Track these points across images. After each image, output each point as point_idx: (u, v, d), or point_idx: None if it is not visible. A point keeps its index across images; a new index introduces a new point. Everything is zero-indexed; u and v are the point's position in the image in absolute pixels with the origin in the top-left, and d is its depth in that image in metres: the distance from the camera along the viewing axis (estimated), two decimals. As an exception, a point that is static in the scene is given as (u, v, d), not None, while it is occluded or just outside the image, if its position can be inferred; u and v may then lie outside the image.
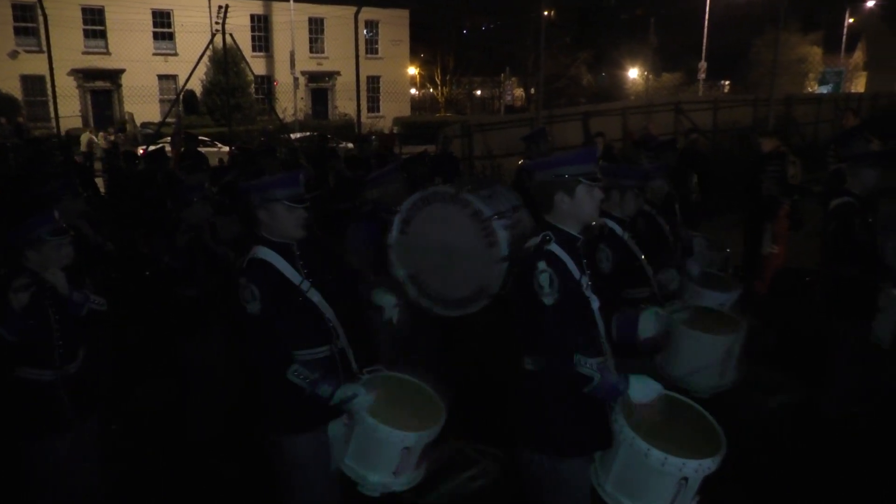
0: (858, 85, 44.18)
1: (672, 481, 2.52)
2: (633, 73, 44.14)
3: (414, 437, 2.84)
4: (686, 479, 2.50)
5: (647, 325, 2.86)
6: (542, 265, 2.60)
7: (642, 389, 2.63)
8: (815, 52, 42.40)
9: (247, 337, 2.98)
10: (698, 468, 2.48)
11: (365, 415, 2.84)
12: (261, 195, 3.00)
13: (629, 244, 3.94)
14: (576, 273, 2.69)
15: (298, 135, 20.49)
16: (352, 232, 4.59)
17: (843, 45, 42.74)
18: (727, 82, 44.52)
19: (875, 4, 42.96)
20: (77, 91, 29.27)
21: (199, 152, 10.61)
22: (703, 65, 34.54)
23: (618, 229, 3.93)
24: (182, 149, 11.24)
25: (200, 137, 14.86)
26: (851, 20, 43.35)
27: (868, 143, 6.25)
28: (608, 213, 4.00)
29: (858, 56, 46.82)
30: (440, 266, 3.79)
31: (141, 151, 13.59)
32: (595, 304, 2.75)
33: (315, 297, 3.02)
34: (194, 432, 4.61)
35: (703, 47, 35.10)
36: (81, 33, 29.84)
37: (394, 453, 2.85)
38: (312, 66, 35.63)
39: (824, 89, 37.38)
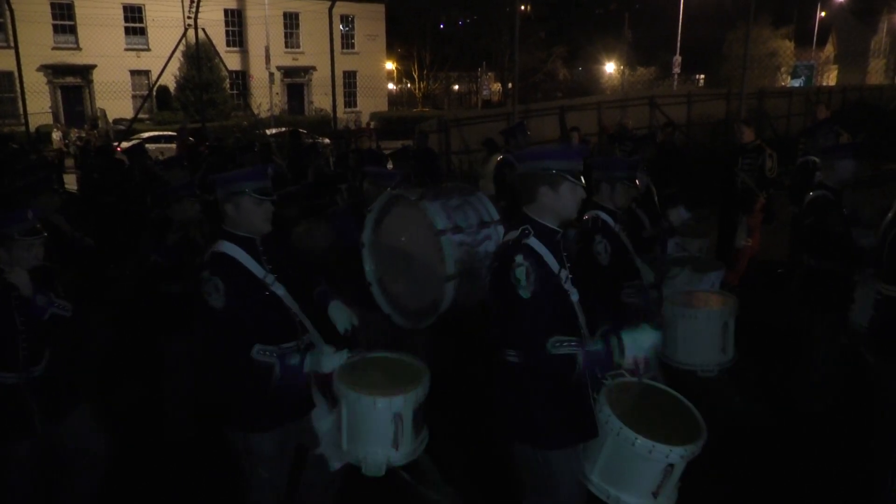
0: (830, 78, 44.85)
1: (658, 468, 2.56)
2: (610, 67, 44.40)
3: (400, 400, 2.79)
4: (672, 465, 2.55)
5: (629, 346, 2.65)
6: (519, 259, 2.60)
7: (637, 342, 2.61)
8: (787, 46, 42.94)
9: (210, 332, 2.96)
10: (684, 454, 2.53)
11: (347, 388, 2.81)
12: (228, 188, 2.98)
13: (621, 236, 3.95)
14: (554, 266, 2.69)
15: (274, 130, 20.35)
16: (331, 222, 4.54)
17: (815, 39, 43.35)
18: (701, 76, 44.94)
19: (845, -2, 43.66)
20: (47, 87, 28.73)
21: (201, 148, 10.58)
22: (677, 59, 34.87)
23: (610, 221, 3.93)
24: (189, 140, 11.19)
25: (170, 133, 14.74)
26: (822, 14, 43.98)
27: (837, 136, 6.37)
28: (600, 205, 4.02)
29: (829, 50, 47.54)
30: (402, 273, 3.62)
31: (115, 146, 13.44)
32: (575, 296, 2.75)
33: (280, 290, 3.01)
34: (172, 432, 4.58)
35: (678, 42, 35.42)
36: (51, 28, 29.28)
37: (386, 422, 2.80)
38: (288, 62, 35.33)
39: (796, 83, 37.95)
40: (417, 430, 2.93)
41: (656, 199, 5.59)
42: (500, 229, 3.58)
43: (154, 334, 4.65)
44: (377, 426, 2.81)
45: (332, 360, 2.88)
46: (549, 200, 2.71)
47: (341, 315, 3.19)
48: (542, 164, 2.70)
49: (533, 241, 2.67)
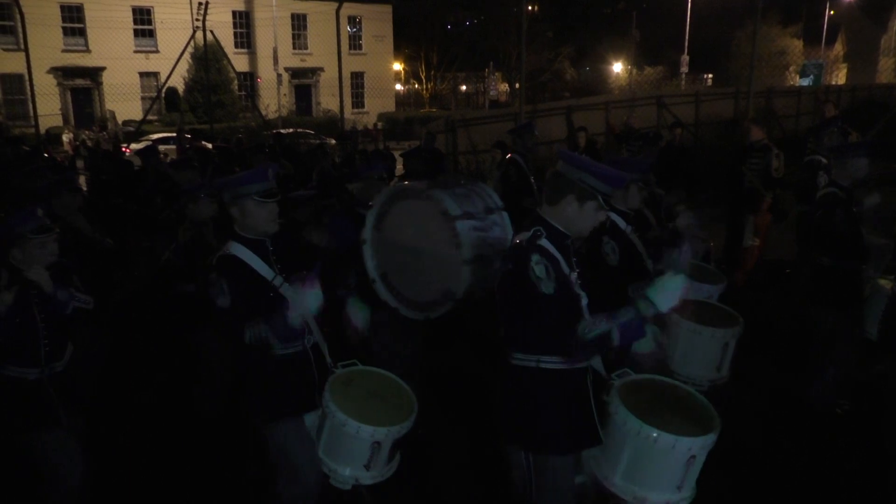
0: (839, 77, 44.59)
1: (682, 461, 2.59)
2: (617, 67, 44.30)
3: (384, 431, 2.92)
4: (694, 457, 2.59)
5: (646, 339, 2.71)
6: (536, 258, 2.60)
7: (667, 295, 2.55)
8: (796, 45, 42.72)
9: (221, 330, 3.03)
10: (704, 444, 2.56)
11: (335, 408, 2.94)
12: (231, 192, 3.03)
13: (631, 237, 3.93)
14: (565, 269, 2.69)
15: (282, 131, 20.43)
16: (329, 226, 4.55)
17: (824, 38, 43.11)
18: (710, 75, 44.77)
19: (854, -4, 43.39)
20: (57, 89, 28.91)
21: (206, 149, 10.63)
22: (685, 58, 34.79)
23: (621, 222, 3.92)
24: (187, 146, 11.27)
25: (187, 136, 14.88)
26: (831, 12, 43.74)
27: (847, 135, 6.34)
28: (612, 205, 4.00)
29: (838, 48, 47.25)
30: (409, 265, 3.61)
31: (124, 148, 13.55)
32: (584, 300, 2.74)
33: (288, 292, 3.04)
34: (205, 409, 4.60)
35: (686, 41, 35.33)
36: (60, 31, 29.48)
37: (364, 447, 2.94)
38: (295, 63, 35.41)
39: (805, 82, 37.76)
40: (391, 456, 3.09)
41: (660, 201, 5.57)
42: (505, 216, 3.62)
43: (176, 333, 4.69)
44: (355, 449, 2.98)
45: (309, 298, 2.84)
46: (571, 211, 2.69)
47: (362, 312, 3.33)
48: (582, 175, 2.66)
49: (545, 243, 2.67)
